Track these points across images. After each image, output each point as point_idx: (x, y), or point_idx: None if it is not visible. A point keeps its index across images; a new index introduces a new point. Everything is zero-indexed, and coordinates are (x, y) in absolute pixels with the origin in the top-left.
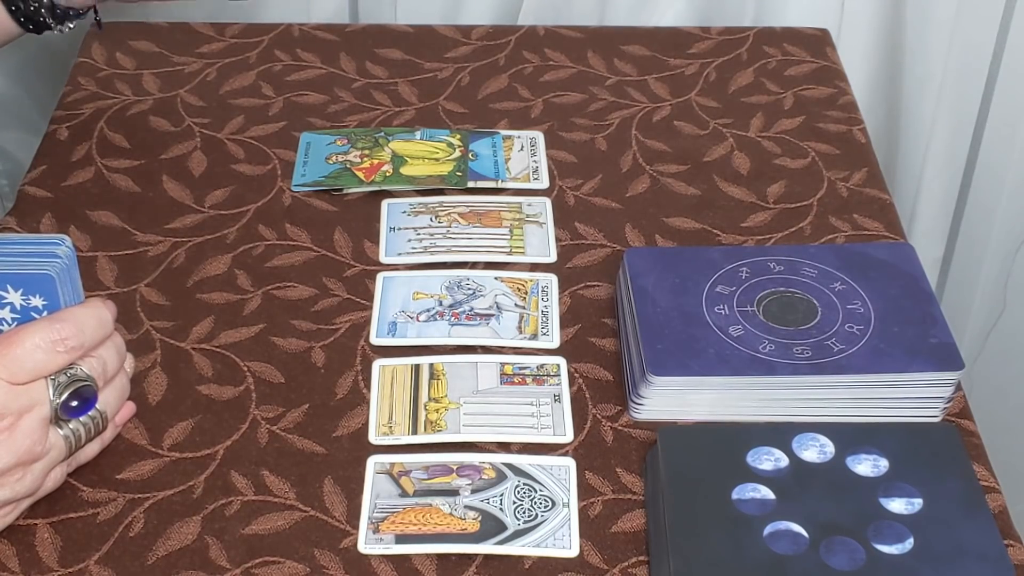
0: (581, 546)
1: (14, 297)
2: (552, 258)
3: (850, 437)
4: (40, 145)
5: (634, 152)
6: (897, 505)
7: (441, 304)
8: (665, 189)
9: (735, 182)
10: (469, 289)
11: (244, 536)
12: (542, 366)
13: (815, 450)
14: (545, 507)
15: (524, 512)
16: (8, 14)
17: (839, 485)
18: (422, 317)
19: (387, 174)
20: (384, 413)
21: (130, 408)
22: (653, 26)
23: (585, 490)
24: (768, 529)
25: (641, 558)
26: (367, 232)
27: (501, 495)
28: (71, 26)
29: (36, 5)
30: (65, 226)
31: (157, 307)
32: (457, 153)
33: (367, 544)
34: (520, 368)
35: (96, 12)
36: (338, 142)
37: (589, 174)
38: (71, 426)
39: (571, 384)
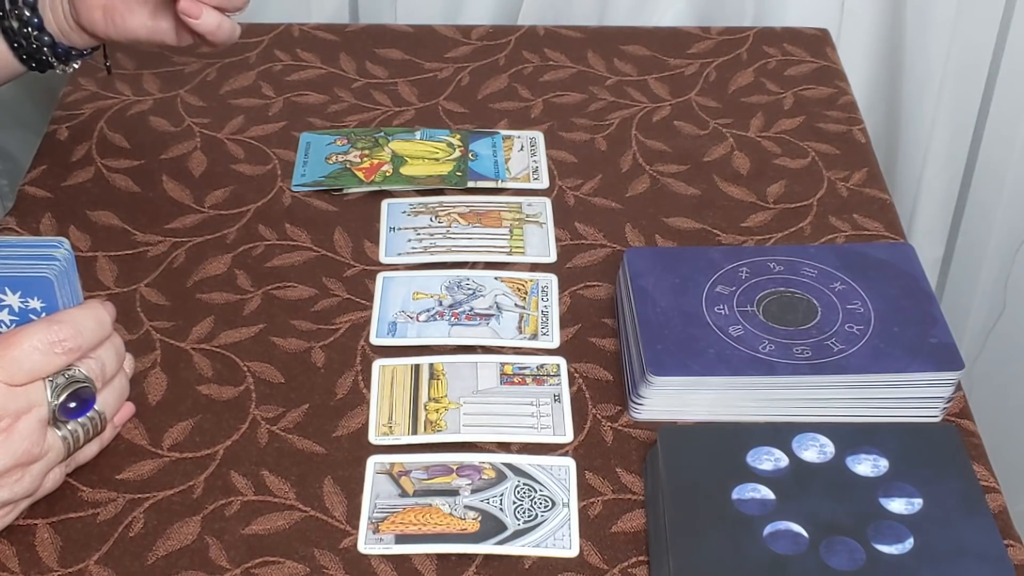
0: (581, 546)
1: (12, 300)
2: (552, 258)
3: (850, 437)
4: (40, 145)
5: (634, 152)
6: (897, 505)
7: (441, 304)
8: (665, 189)
9: (735, 182)
10: (469, 289)
11: (244, 536)
12: (542, 366)
13: (815, 450)
14: (545, 507)
15: (524, 512)
16: (11, 52)
17: (839, 485)
18: (422, 317)
19: (387, 174)
20: (384, 413)
21: (129, 409)
22: (653, 26)
23: (585, 490)
24: (768, 529)
25: (641, 558)
26: (367, 232)
27: (501, 495)
28: (76, 66)
29: (38, 44)
30: (65, 226)
31: (157, 307)
32: (457, 153)
33: (367, 544)
34: (520, 368)
35: (106, 57)
36: (338, 142)
37: (589, 174)
38: (69, 427)
39: (571, 384)
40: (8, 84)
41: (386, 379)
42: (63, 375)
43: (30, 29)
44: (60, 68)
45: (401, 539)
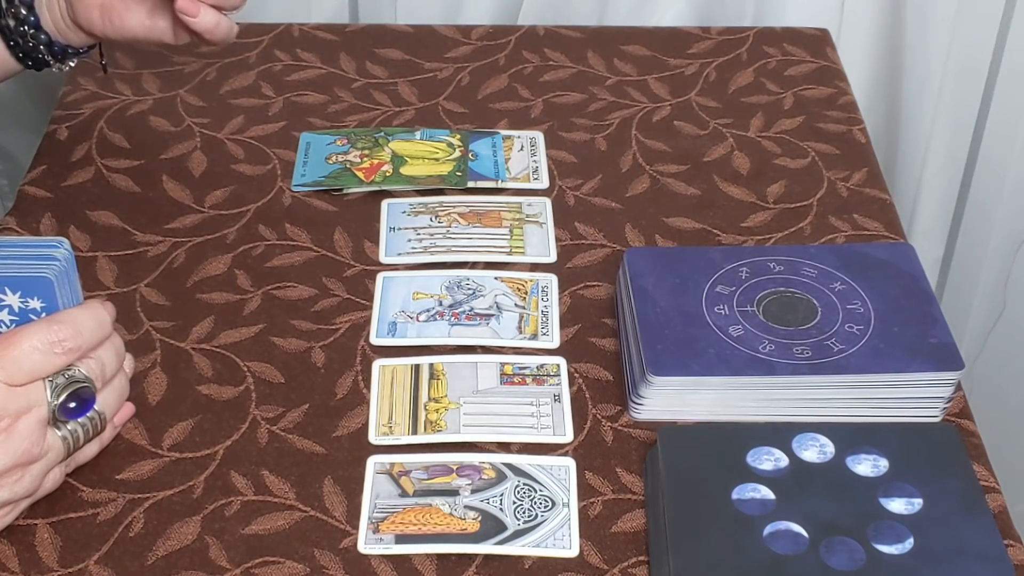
0: (581, 546)
1: (12, 300)
2: (552, 258)
3: (850, 437)
4: (40, 145)
5: (634, 152)
6: (897, 505)
7: (441, 304)
8: (665, 189)
9: (735, 182)
10: (469, 289)
11: (244, 536)
12: (542, 366)
13: (815, 450)
14: (545, 507)
15: (524, 512)
16: (7, 50)
17: (839, 485)
18: (422, 317)
19: (387, 174)
20: (384, 413)
21: (129, 409)
22: (653, 26)
23: (585, 490)
24: (768, 529)
25: (641, 558)
26: (367, 232)
27: (501, 495)
28: (72, 64)
29: (35, 42)
30: (65, 226)
31: (157, 307)
32: (457, 153)
33: (367, 544)
34: (520, 368)
35: (102, 55)
36: (338, 142)
37: (589, 174)
38: (69, 427)
39: (571, 384)
40: (8, 84)
41: (386, 379)
42: (63, 375)
43: (27, 27)
44: (57, 66)
45: (401, 539)
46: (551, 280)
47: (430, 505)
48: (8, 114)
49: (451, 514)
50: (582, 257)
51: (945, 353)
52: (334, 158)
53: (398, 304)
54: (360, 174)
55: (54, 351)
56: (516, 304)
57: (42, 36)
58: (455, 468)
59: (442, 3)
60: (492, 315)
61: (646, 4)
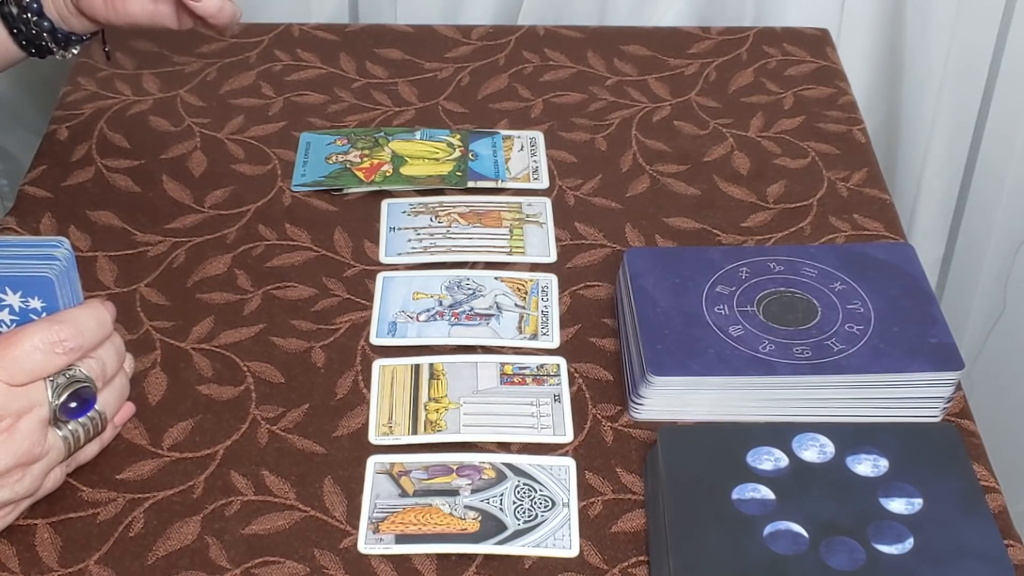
0: (581, 546)
1: (13, 299)
2: (552, 258)
3: (850, 437)
4: (40, 145)
5: (634, 152)
6: (897, 505)
7: (441, 304)
8: (665, 189)
9: (735, 182)
10: (469, 289)
11: (244, 536)
12: (542, 366)
13: (815, 450)
14: (545, 507)
15: (524, 512)
16: (10, 37)
17: (839, 485)
18: (422, 317)
19: (387, 174)
20: (384, 413)
21: (129, 409)
22: (653, 26)
23: (585, 490)
24: (768, 529)
25: (641, 558)
26: (367, 232)
27: (501, 495)
28: (75, 51)
29: (38, 29)
30: (65, 226)
31: (157, 307)
32: (457, 153)
33: (367, 544)
34: (520, 368)
35: (104, 42)
36: (338, 142)
37: (589, 174)
38: (70, 427)
39: (571, 384)
40: (8, 84)
41: (386, 379)
42: (64, 375)
43: (30, 15)
44: (60, 54)
45: (401, 539)
46: (551, 280)
47: (430, 505)
48: (8, 114)
49: (451, 514)
50: (582, 257)
51: (945, 353)
52: (334, 158)
53: (398, 304)
54: (360, 174)
55: (55, 351)
56: (516, 304)
57: (45, 23)
58: (455, 468)
59: (442, 3)
60: (492, 315)
61: (646, 4)
